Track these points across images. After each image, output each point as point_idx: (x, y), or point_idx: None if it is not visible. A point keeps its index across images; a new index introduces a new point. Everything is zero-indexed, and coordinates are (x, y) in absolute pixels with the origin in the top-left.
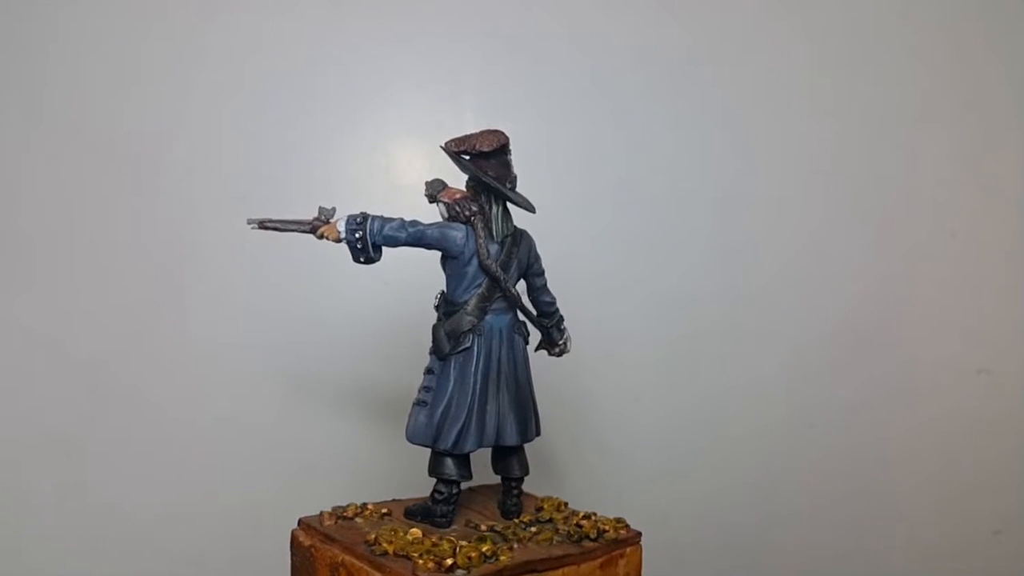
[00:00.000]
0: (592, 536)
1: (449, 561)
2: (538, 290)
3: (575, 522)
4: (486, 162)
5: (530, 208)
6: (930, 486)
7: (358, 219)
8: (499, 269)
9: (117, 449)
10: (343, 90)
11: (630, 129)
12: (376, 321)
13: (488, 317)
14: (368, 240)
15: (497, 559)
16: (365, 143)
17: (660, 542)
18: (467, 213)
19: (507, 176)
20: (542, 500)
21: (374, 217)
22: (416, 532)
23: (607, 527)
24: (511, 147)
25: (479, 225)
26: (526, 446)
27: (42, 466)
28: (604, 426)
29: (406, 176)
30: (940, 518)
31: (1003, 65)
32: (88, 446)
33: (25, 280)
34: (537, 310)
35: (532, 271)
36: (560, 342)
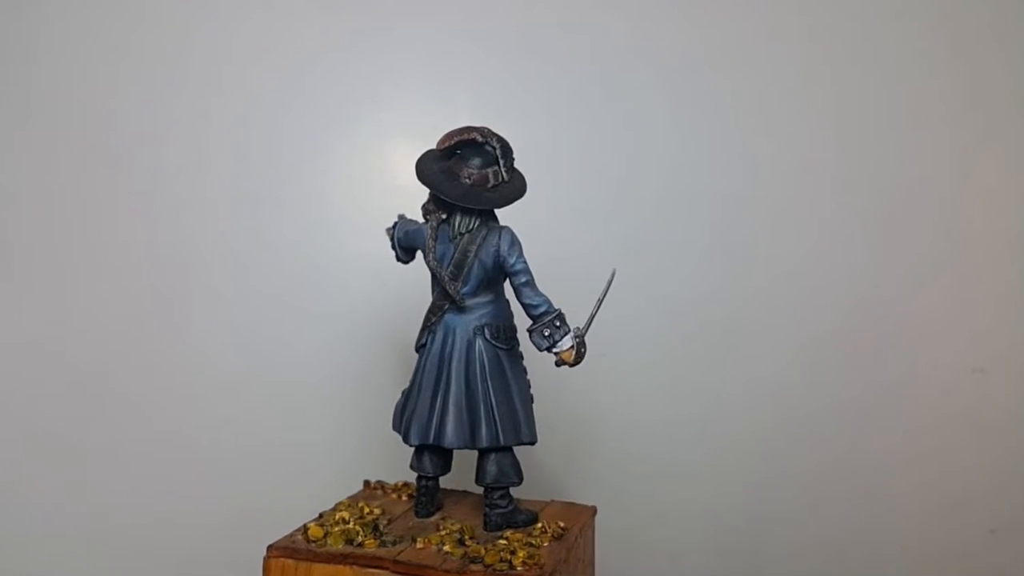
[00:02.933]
0: (487, 562)
1: (311, 532)
2: (516, 290)
3: (502, 541)
4: (457, 160)
5: (468, 201)
6: (926, 486)
7: (395, 222)
8: (438, 266)
9: (113, 453)
10: (338, 91)
11: (628, 129)
12: (374, 320)
13: (447, 316)
14: (394, 241)
15: (360, 545)
16: (360, 144)
17: (657, 542)
18: (422, 212)
19: (472, 174)
20: (549, 521)
21: (402, 220)
22: (363, 507)
23: (516, 559)
24: (488, 145)
25: (430, 224)
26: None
27: (38, 470)
28: (599, 426)
29: (401, 177)
30: (936, 518)
31: (1002, 65)
32: (83, 450)
33: (18, 284)
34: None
35: (507, 270)
36: (551, 351)
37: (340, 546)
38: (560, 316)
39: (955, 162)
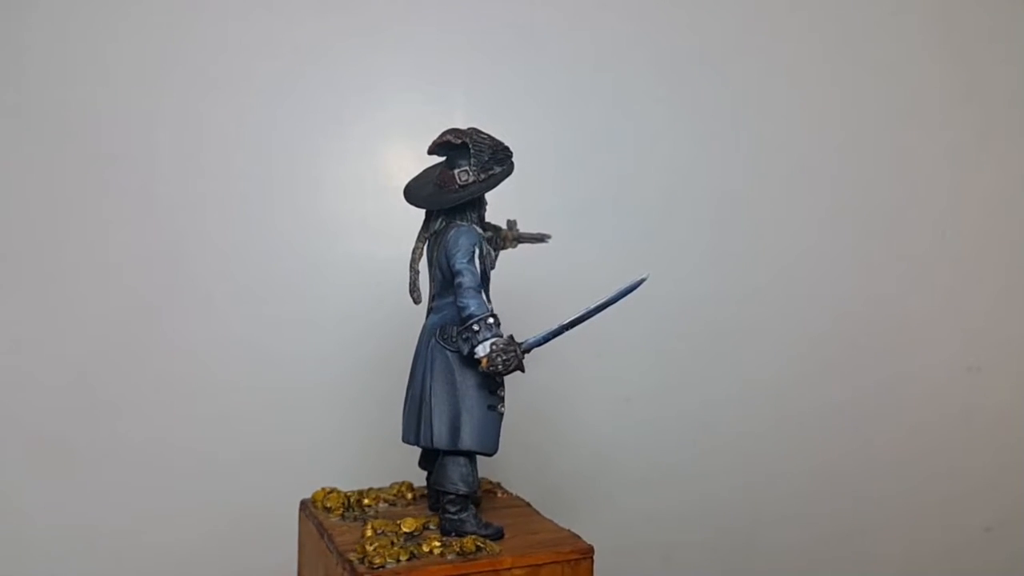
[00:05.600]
0: (358, 551)
1: (313, 496)
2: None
3: (382, 538)
4: (444, 163)
5: (418, 204)
6: (921, 485)
7: None
8: (413, 267)
9: (110, 456)
10: (331, 90)
11: (626, 129)
12: (369, 322)
13: (429, 316)
14: None
15: (348, 512)
16: (354, 144)
17: (650, 543)
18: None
19: (445, 174)
20: (505, 543)
21: None
22: (401, 490)
23: (370, 554)
24: (465, 145)
25: (421, 227)
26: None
27: (32, 472)
28: (594, 426)
29: (396, 178)
30: (931, 516)
31: (999, 68)
32: (80, 453)
33: (13, 286)
34: None
35: (452, 270)
36: (474, 356)
37: (320, 514)
38: (482, 321)
39: (951, 163)
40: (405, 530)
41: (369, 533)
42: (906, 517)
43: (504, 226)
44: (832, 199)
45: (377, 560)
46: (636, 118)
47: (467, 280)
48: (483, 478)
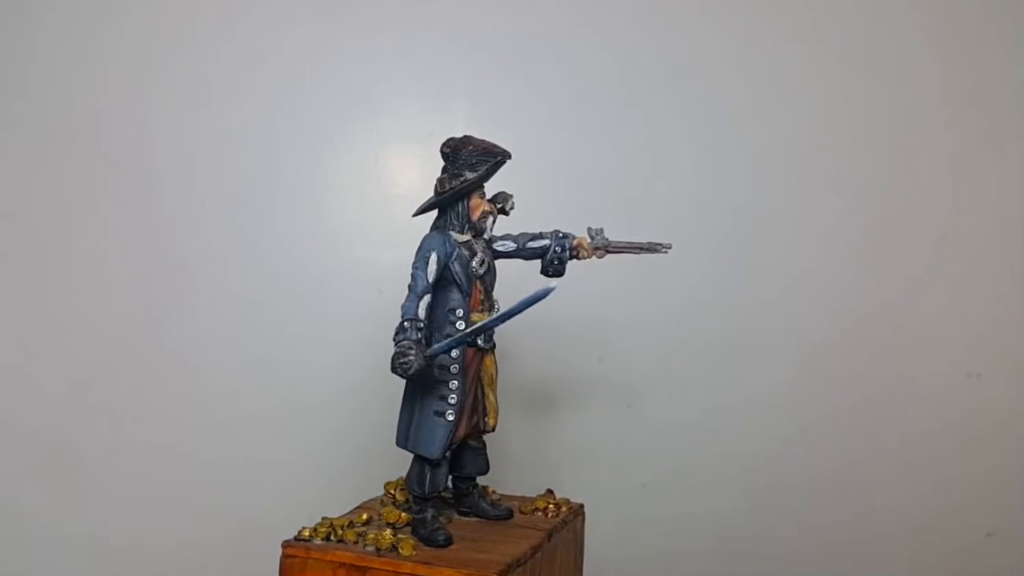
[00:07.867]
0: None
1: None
2: None
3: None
4: None
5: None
6: (923, 490)
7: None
8: None
9: (110, 460)
10: (334, 98)
11: (630, 136)
12: (371, 329)
13: None
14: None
15: (387, 497)
16: (356, 151)
17: (653, 550)
18: None
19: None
20: (404, 541)
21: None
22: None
23: (304, 532)
24: (444, 154)
25: None
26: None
27: (32, 479)
28: (596, 432)
29: (398, 185)
30: (933, 521)
31: (1000, 75)
32: (81, 459)
33: (14, 290)
34: None
35: None
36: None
37: (379, 500)
38: (400, 326)
39: (953, 168)
40: (387, 520)
41: (364, 517)
42: (908, 523)
43: (586, 234)
44: (834, 204)
45: (305, 533)
46: (639, 125)
47: (411, 283)
48: (563, 497)
